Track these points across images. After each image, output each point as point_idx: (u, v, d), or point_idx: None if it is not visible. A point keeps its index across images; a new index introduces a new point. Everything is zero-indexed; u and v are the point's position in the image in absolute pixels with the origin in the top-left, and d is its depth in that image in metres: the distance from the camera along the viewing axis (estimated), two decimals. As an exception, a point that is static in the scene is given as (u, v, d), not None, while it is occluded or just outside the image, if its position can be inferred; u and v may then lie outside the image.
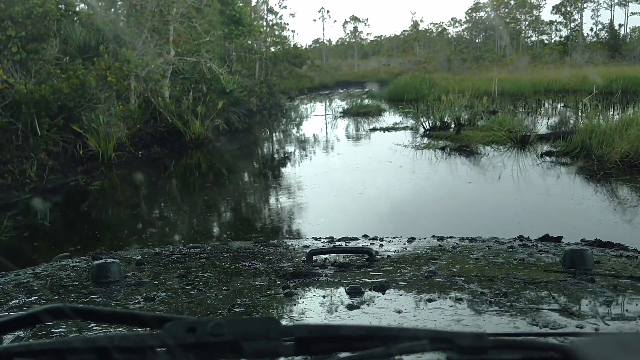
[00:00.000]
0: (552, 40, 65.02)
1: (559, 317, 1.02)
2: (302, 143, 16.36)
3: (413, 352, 0.70)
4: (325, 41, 77.53)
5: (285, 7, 48.57)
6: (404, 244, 1.78)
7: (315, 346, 0.65)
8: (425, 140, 15.40)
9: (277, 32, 33.33)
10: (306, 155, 14.16)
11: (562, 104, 23.69)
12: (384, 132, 17.56)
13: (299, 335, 0.64)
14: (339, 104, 27.70)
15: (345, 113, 22.95)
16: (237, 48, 22.93)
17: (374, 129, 18.05)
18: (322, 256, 1.59)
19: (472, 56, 53.32)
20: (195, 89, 17.33)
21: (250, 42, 24.97)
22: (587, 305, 1.13)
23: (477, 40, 72.08)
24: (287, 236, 7.12)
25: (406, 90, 28.99)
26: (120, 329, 1.00)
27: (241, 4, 19.35)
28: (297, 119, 22.73)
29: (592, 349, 0.61)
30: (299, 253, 1.70)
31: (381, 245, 1.76)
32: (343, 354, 0.69)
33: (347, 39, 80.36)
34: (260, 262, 1.58)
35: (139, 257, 1.70)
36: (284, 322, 0.67)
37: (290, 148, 15.99)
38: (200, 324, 0.63)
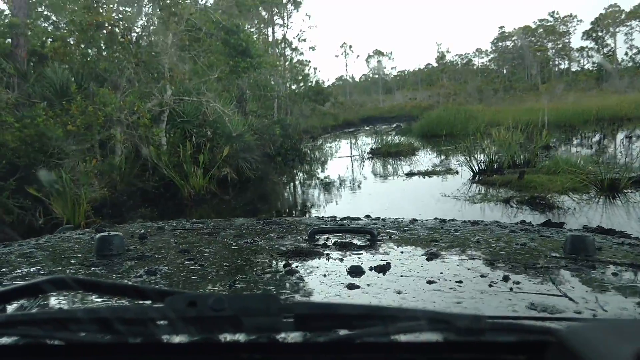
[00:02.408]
0: (585, 67, 61.28)
1: (558, 302, 0.98)
2: (324, 196, 13.06)
3: (411, 331, 0.67)
4: (348, 78, 75.21)
5: (304, 40, 45.86)
6: (406, 225, 1.70)
7: (314, 323, 0.65)
8: (479, 188, 12.00)
9: (297, 68, 30.62)
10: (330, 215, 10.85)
11: (627, 135, 20.05)
12: (423, 177, 14.22)
13: (298, 312, 0.64)
14: (366, 143, 24.48)
15: (374, 153, 19.70)
16: (251, 86, 20.05)
17: (411, 174, 14.72)
18: (325, 235, 1.53)
19: (502, 86, 49.92)
20: (198, 134, 14.34)
21: (268, 78, 22.15)
22: (586, 291, 1.07)
23: (503, 71, 68.72)
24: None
25: (440, 125, 25.74)
26: (122, 301, 0.94)
27: (249, 31, 16.40)
28: (319, 164, 19.53)
29: (587, 333, 0.58)
30: (301, 231, 1.63)
31: (383, 226, 1.68)
32: (342, 332, 0.67)
33: (371, 75, 78.00)
34: (263, 239, 1.55)
35: (142, 231, 1.67)
36: (284, 299, 0.75)
37: (309, 203, 12.69)
38: (201, 298, 0.62)
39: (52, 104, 11.16)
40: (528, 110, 25.85)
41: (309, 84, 30.28)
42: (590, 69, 58.23)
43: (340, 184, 14.44)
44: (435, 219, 1.81)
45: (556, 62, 66.34)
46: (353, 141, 26.75)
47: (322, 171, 16.65)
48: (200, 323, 0.62)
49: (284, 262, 1.27)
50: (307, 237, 1.54)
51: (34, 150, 9.32)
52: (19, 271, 1.26)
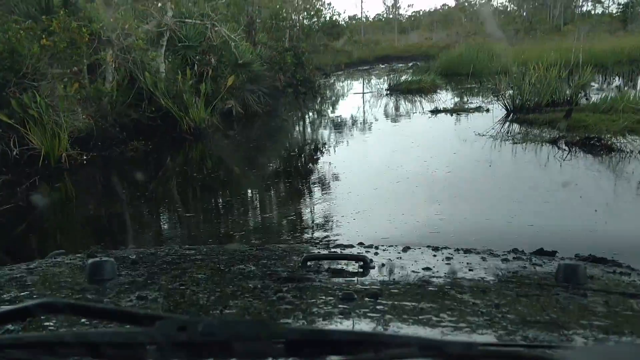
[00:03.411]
0: (609, 10, 57.76)
1: (550, 330, 0.98)
2: (339, 136, 11.48)
3: (402, 358, 0.65)
4: (362, 17, 71.87)
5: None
6: (399, 252, 1.69)
7: (306, 349, 0.64)
8: (516, 127, 10.40)
9: (312, 3, 28.34)
10: (348, 159, 9.29)
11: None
12: (451, 115, 12.58)
13: (290, 338, 0.63)
14: (382, 80, 22.66)
15: (393, 90, 17.95)
16: (261, 13, 18.15)
17: (436, 111, 13.08)
18: (317, 262, 1.53)
19: (524, 27, 46.96)
20: (201, 61, 12.69)
21: (279, 7, 20.15)
22: (578, 319, 1.07)
23: (523, 12, 65.17)
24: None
25: (461, 63, 23.78)
26: (112, 326, 0.87)
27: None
28: (334, 98, 17.79)
29: None
30: (294, 258, 1.65)
31: (376, 254, 1.67)
32: (333, 358, 0.66)
33: (385, 15, 74.48)
34: (255, 265, 1.52)
35: (134, 257, 1.65)
36: (275, 325, 0.73)
37: (323, 141, 11.12)
38: (191, 323, 0.62)
39: (37, 22, 9.52)
40: (553, 50, 23.78)
41: (322, 18, 28.08)
42: (615, 11, 54.83)
43: (357, 121, 12.84)
44: (428, 247, 1.77)
45: (580, 3, 62.71)
46: (369, 78, 24.85)
47: (336, 107, 14.93)
48: (190, 348, 0.61)
49: (275, 288, 1.22)
50: (299, 264, 1.48)
51: (3, 68, 7.80)
52: (7, 295, 1.22)
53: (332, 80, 25.43)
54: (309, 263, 1.50)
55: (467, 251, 1.76)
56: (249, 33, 17.14)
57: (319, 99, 15.83)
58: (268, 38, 19.22)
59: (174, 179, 8.28)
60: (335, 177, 7.52)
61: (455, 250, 1.76)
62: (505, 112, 12.02)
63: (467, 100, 14.80)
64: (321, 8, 30.30)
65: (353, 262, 1.53)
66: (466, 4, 61.75)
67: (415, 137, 10.01)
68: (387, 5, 71.73)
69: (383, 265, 1.52)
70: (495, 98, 14.14)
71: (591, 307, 1.14)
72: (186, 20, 12.04)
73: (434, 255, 1.66)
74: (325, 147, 10.12)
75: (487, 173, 7.29)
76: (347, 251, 1.77)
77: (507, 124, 10.88)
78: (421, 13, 79.19)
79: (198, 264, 1.56)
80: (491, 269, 1.51)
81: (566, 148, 8.26)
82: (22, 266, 1.55)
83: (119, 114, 10.83)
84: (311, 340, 0.64)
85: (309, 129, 13.13)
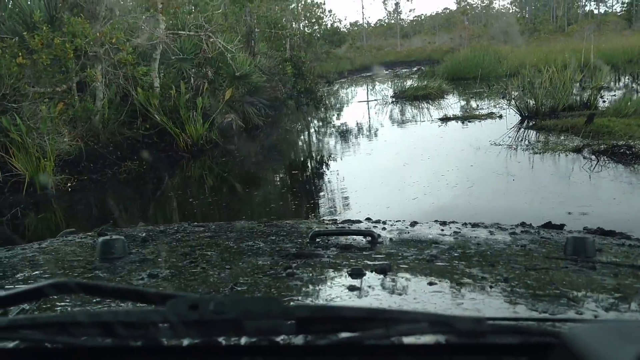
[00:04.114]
0: (612, 9, 56.91)
1: (559, 304, 0.96)
2: (345, 147, 10.79)
3: (412, 334, 0.66)
4: (364, 23, 71.36)
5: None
6: (407, 227, 1.67)
7: (316, 326, 0.65)
8: (535, 134, 9.69)
9: (311, 10, 27.74)
10: (359, 176, 8.59)
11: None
12: (462, 122, 11.88)
13: (300, 315, 0.63)
14: (387, 87, 21.98)
15: (398, 97, 17.26)
16: (260, 22, 17.54)
17: (446, 119, 12.37)
18: (326, 237, 1.51)
19: (527, 29, 46.24)
20: (197, 74, 12.06)
21: (279, 16, 19.55)
22: (587, 292, 1.05)
23: (525, 14, 64.39)
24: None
25: (467, 67, 23.12)
26: (124, 305, 0.94)
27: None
28: (337, 109, 17.09)
29: (589, 335, 0.57)
30: (302, 234, 1.60)
31: (384, 229, 1.65)
32: (343, 334, 0.66)
33: (387, 19, 73.94)
34: (264, 242, 1.51)
35: (144, 235, 1.63)
36: (285, 302, 0.73)
37: (329, 155, 10.42)
38: (202, 301, 0.61)
39: (25, 39, 8.92)
40: (560, 51, 23.07)
41: (324, 25, 27.49)
42: (619, 10, 54.00)
43: (364, 133, 12.16)
44: (436, 221, 1.72)
45: (582, 3, 61.90)
46: (372, 85, 24.18)
47: (341, 117, 14.23)
48: (201, 326, 0.61)
49: (285, 265, 1.22)
50: (308, 240, 1.49)
51: (-21, 90, 7.20)
52: (21, 275, 1.23)
53: (335, 88, 24.79)
54: (317, 239, 1.48)
55: (474, 225, 1.71)
56: (247, 43, 16.54)
57: (322, 109, 15.12)
58: (268, 47, 18.62)
59: (167, 206, 7.59)
60: (345, 199, 6.82)
61: (463, 225, 1.71)
62: (520, 118, 11.30)
63: (477, 106, 14.08)
64: (322, 15, 29.73)
65: (361, 237, 1.50)
66: (468, 7, 61.09)
67: (427, 148, 9.30)
68: (388, 11, 71.20)
69: (391, 240, 1.50)
70: (507, 103, 13.44)
71: (600, 280, 1.12)
72: (180, 32, 11.42)
73: (442, 230, 1.63)
74: (332, 162, 9.41)
75: (512, 188, 6.58)
76: (355, 226, 1.73)
77: (523, 131, 10.17)
78: (423, 17, 78.57)
79: (207, 242, 1.54)
80: (499, 242, 1.47)
81: (593, 157, 7.53)
82: (34, 245, 1.54)
83: (112, 132, 10.20)
84: (321, 317, 0.64)
85: (313, 143, 12.44)
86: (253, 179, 8.74)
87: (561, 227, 1.79)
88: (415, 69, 30.31)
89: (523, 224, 1.76)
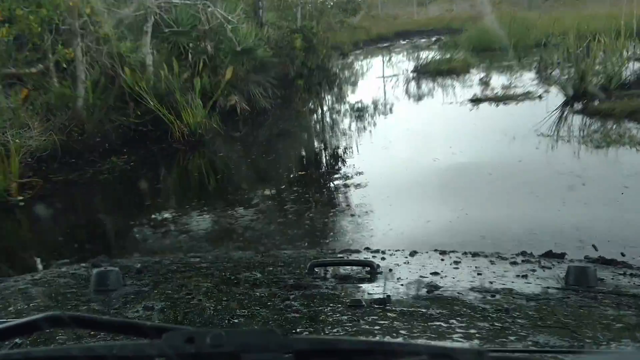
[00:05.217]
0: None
1: (561, 335, 0.95)
2: (371, 137, 9.20)
3: None
4: (378, -10, 68.75)
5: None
6: (406, 257, 1.65)
7: (315, 359, 0.64)
8: (589, 121, 8.15)
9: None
10: (388, 178, 7.02)
11: None
12: (497, 104, 10.30)
13: (298, 348, 0.62)
14: (406, 60, 20.29)
15: (420, 72, 15.59)
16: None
17: (478, 100, 10.80)
18: (324, 268, 1.49)
19: (551, -7, 43.63)
20: (195, 49, 10.58)
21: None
22: (588, 323, 1.03)
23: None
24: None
25: (492, 37, 21.23)
26: (119, 338, 0.92)
27: None
28: (353, 85, 15.44)
29: None
30: (300, 264, 1.57)
31: (383, 259, 1.62)
32: None
33: (402, -14, 71.16)
34: (261, 273, 1.49)
35: (139, 266, 1.59)
36: (283, 335, 0.66)
37: (349, 148, 8.84)
38: (199, 334, 0.61)
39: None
40: (594, 18, 21.10)
41: (337, -8, 25.58)
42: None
43: (386, 119, 10.60)
44: (435, 250, 1.68)
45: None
46: (390, 58, 22.41)
47: (358, 99, 12.60)
48: None
49: (283, 297, 1.20)
50: (306, 271, 1.43)
51: None
52: (13, 307, 1.21)
53: (349, 61, 23.11)
54: (315, 269, 1.44)
55: (475, 255, 1.68)
56: (255, 12, 14.94)
57: (337, 88, 13.44)
58: (277, 17, 16.97)
59: (152, 220, 6.19)
60: (369, 212, 5.41)
61: (463, 254, 1.68)
62: (565, 99, 9.72)
63: (510, 83, 12.44)
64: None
65: (360, 268, 1.47)
66: (488, -29, 58.22)
67: (461, 139, 7.80)
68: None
69: (390, 270, 1.47)
70: (544, 79, 11.83)
71: (602, 310, 1.10)
72: (174, 0, 9.87)
73: (442, 260, 1.61)
74: (354, 158, 7.89)
75: (583, 195, 5.13)
76: (354, 256, 1.73)
77: (572, 116, 8.62)
78: (438, -17, 75.47)
79: (204, 273, 1.51)
80: (500, 272, 1.44)
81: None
82: (27, 277, 1.52)
83: (100, 121, 8.83)
84: (320, 350, 0.63)
85: (328, 130, 10.90)
86: (258, 182, 7.31)
87: (562, 256, 1.74)
88: (434, 39, 28.35)
89: (524, 253, 1.72)
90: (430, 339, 0.93)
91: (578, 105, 9.11)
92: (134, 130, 9.19)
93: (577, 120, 8.33)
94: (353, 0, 25.87)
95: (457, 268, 1.50)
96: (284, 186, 7.03)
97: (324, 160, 8.21)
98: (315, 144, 9.77)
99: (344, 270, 1.47)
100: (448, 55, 16.60)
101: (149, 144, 8.90)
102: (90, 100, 8.64)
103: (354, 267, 1.49)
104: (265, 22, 15.45)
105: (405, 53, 23.07)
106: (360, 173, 6.77)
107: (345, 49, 23.65)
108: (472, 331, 0.96)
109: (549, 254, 1.77)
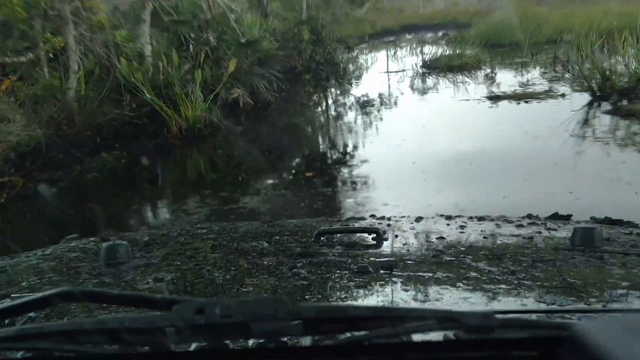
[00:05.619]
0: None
1: (567, 295, 0.93)
2: (385, 137, 8.45)
3: (420, 331, 0.65)
4: (382, -17, 67.95)
5: None
6: (412, 223, 1.63)
7: (323, 326, 0.64)
8: (622, 122, 7.52)
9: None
10: (407, 190, 6.38)
11: None
12: (517, 102, 9.64)
13: (306, 316, 0.62)
14: (413, 54, 19.62)
15: (430, 68, 14.92)
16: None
17: (495, 97, 10.15)
18: (331, 235, 1.48)
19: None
20: (197, 40, 9.92)
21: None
22: (595, 283, 1.01)
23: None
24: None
25: (504, 32, 20.60)
26: (130, 311, 0.89)
27: None
28: (360, 81, 14.77)
29: (602, 328, 0.56)
30: (307, 233, 1.57)
31: (389, 225, 1.60)
32: (350, 334, 0.65)
33: (406, -20, 70.30)
34: (268, 242, 1.48)
35: (147, 239, 1.62)
36: (291, 303, 0.67)
37: (361, 145, 8.16)
38: (209, 305, 0.61)
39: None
40: (607, 14, 20.43)
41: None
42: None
43: (400, 116, 9.93)
44: (441, 215, 1.67)
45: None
46: (397, 52, 21.69)
47: (367, 95, 11.92)
48: (208, 330, 0.61)
49: (290, 265, 1.19)
50: (312, 239, 1.43)
51: None
52: (26, 283, 1.21)
53: (355, 55, 22.42)
54: (322, 237, 1.44)
55: (480, 219, 1.66)
56: (259, 1, 14.28)
57: (345, 83, 12.77)
58: (282, 8, 16.30)
59: (143, 228, 5.57)
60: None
61: (469, 218, 1.66)
62: (591, 97, 9.08)
63: (528, 80, 11.78)
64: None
65: (366, 235, 1.46)
66: (495, -34, 57.41)
67: (483, 141, 7.16)
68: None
69: (396, 236, 1.46)
70: (563, 77, 11.20)
71: (608, 270, 1.08)
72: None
73: (447, 224, 1.59)
74: (366, 158, 7.25)
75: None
76: (360, 224, 1.70)
77: (603, 116, 7.98)
78: (443, -23, 74.50)
79: (211, 243, 1.51)
80: (506, 235, 1.44)
81: None
82: (37, 252, 1.52)
83: (92, 113, 8.21)
84: (328, 317, 0.64)
85: (337, 126, 10.23)
86: (261, 188, 6.67)
87: (568, 217, 1.71)
88: (440, 33, 27.69)
89: (530, 216, 1.68)
90: (437, 303, 0.92)
91: (606, 105, 8.47)
92: (128, 123, 8.57)
93: (610, 121, 7.68)
94: (360, -9, 25.20)
95: (462, 232, 1.48)
96: (289, 190, 6.40)
97: (335, 171, 7.47)
98: (323, 146, 9.10)
99: (350, 237, 1.45)
100: (458, 51, 15.93)
101: (143, 138, 8.28)
102: (82, 91, 8.02)
103: (360, 234, 1.47)
104: (270, 13, 14.81)
105: (412, 47, 22.36)
106: (390, 187, 6.07)
107: (350, 43, 22.97)
108: (479, 294, 0.95)
109: (555, 216, 1.74)
